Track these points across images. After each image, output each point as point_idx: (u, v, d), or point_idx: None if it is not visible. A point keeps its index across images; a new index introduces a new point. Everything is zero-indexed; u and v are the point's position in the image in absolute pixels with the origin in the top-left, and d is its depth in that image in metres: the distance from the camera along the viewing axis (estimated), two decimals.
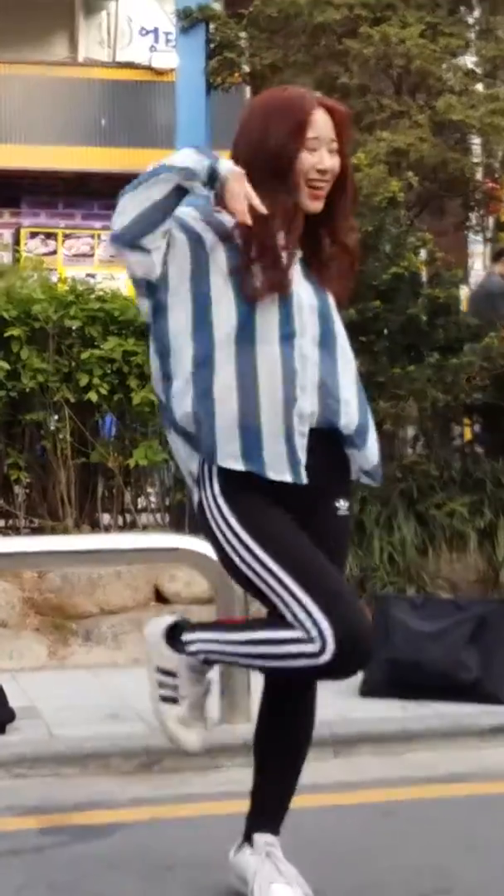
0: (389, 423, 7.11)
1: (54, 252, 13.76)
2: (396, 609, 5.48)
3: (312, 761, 4.53)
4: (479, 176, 8.23)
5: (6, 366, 6.86)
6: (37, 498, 7.20)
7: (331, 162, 2.83)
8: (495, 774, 4.41)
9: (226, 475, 2.78)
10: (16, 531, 7.07)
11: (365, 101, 7.91)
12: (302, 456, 2.77)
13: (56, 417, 7.08)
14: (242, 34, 8.78)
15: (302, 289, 2.84)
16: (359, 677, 5.33)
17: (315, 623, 2.66)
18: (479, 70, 8.26)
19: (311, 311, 2.83)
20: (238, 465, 2.75)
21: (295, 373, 2.77)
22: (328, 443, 2.84)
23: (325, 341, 2.85)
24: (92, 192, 13.80)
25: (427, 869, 3.28)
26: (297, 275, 2.84)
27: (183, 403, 2.80)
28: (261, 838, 2.97)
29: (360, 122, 7.91)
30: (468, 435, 8.30)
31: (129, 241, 2.78)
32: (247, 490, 2.77)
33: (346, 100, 8.06)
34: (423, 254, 7.65)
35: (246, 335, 2.77)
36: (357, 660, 2.75)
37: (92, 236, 13.91)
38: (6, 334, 6.90)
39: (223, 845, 3.12)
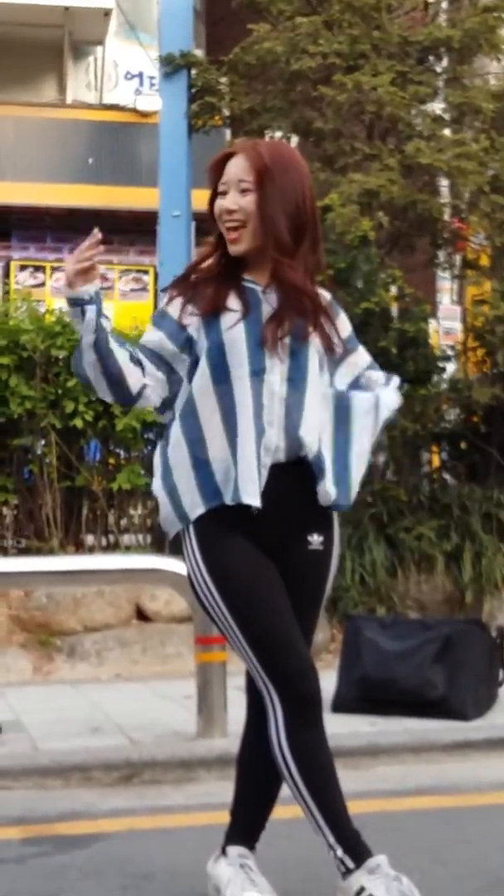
0: None
1: (42, 284, 13.75)
2: (367, 628, 5.47)
3: None
4: (446, 216, 8.28)
5: None
6: (24, 519, 7.19)
7: (237, 201, 2.82)
8: (460, 788, 4.40)
9: (201, 528, 2.82)
10: (3, 551, 7.06)
11: (338, 145, 7.95)
12: (260, 486, 2.76)
13: (43, 442, 7.08)
14: (223, 80, 8.82)
15: (273, 325, 2.82)
16: (330, 693, 5.32)
17: (265, 684, 2.79)
18: (446, 116, 8.32)
19: (283, 349, 2.81)
20: (203, 508, 2.81)
21: (262, 407, 2.78)
22: (296, 476, 2.82)
23: (294, 377, 2.83)
24: (79, 228, 13.75)
25: None
26: (267, 306, 2.84)
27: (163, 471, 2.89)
28: (234, 850, 2.96)
29: (333, 164, 7.96)
30: (436, 462, 8.33)
31: (125, 404, 2.95)
32: (220, 538, 2.81)
33: (320, 143, 8.13)
34: (393, 289, 7.69)
35: (221, 374, 2.80)
36: (308, 701, 2.80)
37: None
38: None
39: (199, 855, 3.11)
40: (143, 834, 3.86)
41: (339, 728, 4.94)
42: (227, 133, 11.25)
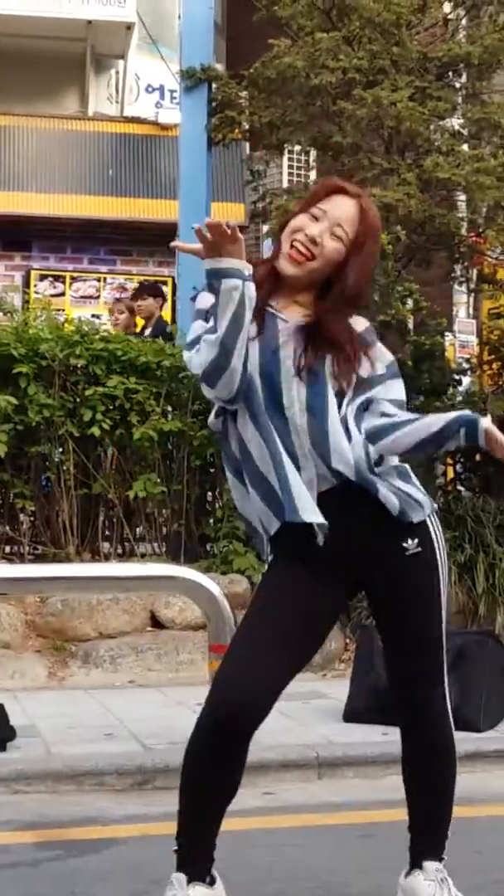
0: None
1: (62, 294, 13.78)
2: (379, 639, 5.44)
3: (298, 782, 4.54)
4: (463, 230, 8.28)
5: (14, 401, 6.87)
6: (41, 526, 7.20)
7: (323, 235, 2.77)
8: (469, 799, 4.36)
9: (277, 541, 2.82)
10: (20, 557, 7.07)
11: (357, 159, 7.95)
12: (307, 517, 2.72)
13: (60, 450, 7.09)
14: (243, 94, 8.83)
15: (288, 358, 2.76)
16: (343, 702, 5.32)
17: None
18: (464, 132, 8.31)
19: (301, 382, 2.75)
20: (274, 527, 2.78)
21: (293, 443, 2.74)
22: (353, 497, 2.76)
23: (312, 406, 2.76)
24: (99, 238, 13.85)
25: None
26: (288, 338, 2.78)
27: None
28: (431, 865, 2.95)
29: (351, 178, 7.95)
30: (450, 474, 8.32)
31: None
32: (280, 559, 2.83)
33: (338, 157, 8.14)
34: (409, 303, 7.69)
35: (254, 406, 2.76)
36: (214, 721, 2.77)
37: (98, 279, 13.94)
38: (15, 371, 6.92)
39: None
40: (156, 840, 3.85)
41: (352, 737, 4.95)
42: (247, 146, 11.27)
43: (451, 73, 8.44)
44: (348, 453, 2.75)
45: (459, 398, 7.79)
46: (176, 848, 2.84)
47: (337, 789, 4.43)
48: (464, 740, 4.91)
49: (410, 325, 7.93)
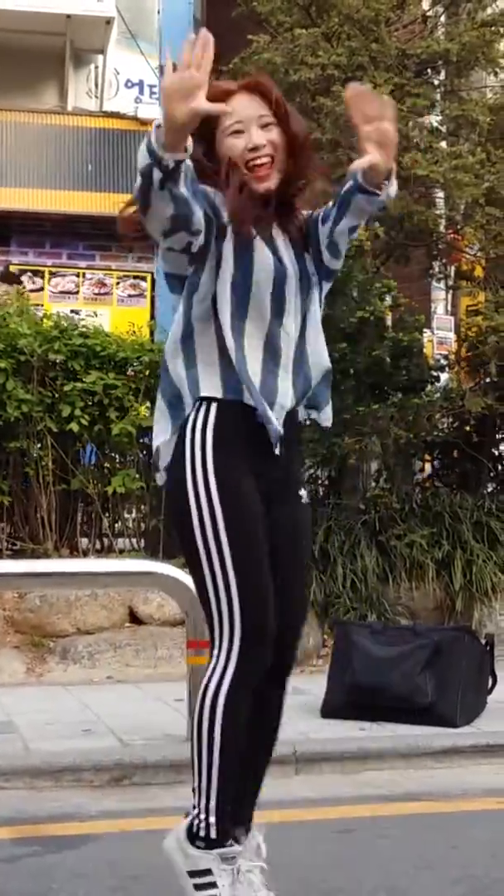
0: (354, 458, 7.12)
1: (41, 289, 13.74)
2: (357, 635, 5.47)
3: (276, 778, 4.52)
4: (441, 227, 8.29)
5: None
6: (19, 522, 7.18)
7: (263, 136, 2.69)
8: (446, 794, 4.40)
9: (221, 419, 2.63)
10: None
11: (336, 156, 7.94)
12: (280, 428, 2.66)
13: (39, 446, 7.07)
14: None
15: (290, 266, 2.72)
16: (320, 698, 5.33)
17: (230, 630, 2.62)
18: (443, 129, 8.32)
19: (298, 291, 2.72)
20: (221, 395, 2.64)
21: (280, 351, 2.69)
22: (292, 423, 2.74)
23: (304, 317, 2.75)
24: (78, 234, 13.81)
25: (381, 887, 3.26)
26: (284, 249, 2.74)
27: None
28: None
29: (331, 174, 7.95)
30: (428, 470, 8.34)
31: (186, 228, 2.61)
32: (237, 451, 2.62)
33: (318, 153, 8.12)
34: (387, 299, 7.70)
35: (243, 312, 2.65)
36: (262, 666, 2.66)
37: (77, 275, 13.90)
38: None
39: None
40: (134, 835, 3.85)
41: (329, 733, 4.96)
42: None
43: (429, 70, 8.44)
44: (320, 364, 2.78)
45: (437, 394, 7.81)
46: (214, 823, 2.68)
47: (314, 785, 4.43)
48: (440, 736, 4.97)
49: (388, 322, 7.94)
